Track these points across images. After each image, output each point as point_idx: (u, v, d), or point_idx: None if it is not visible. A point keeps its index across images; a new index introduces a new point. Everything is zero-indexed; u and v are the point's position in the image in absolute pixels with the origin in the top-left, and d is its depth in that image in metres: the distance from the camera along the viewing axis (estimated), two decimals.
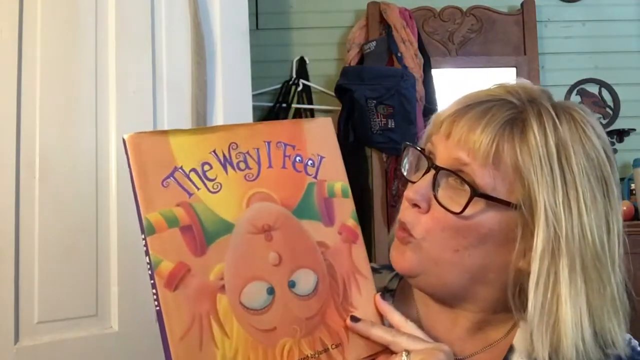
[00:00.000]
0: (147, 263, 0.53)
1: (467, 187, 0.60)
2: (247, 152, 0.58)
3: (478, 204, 0.60)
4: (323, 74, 2.51)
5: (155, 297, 0.52)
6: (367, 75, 2.21)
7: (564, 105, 0.63)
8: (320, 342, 0.58)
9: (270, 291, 0.56)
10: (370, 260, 0.70)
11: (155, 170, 0.54)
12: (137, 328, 1.25)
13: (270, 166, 0.59)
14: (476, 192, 0.59)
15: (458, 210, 0.60)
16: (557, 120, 0.60)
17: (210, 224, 0.55)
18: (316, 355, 0.58)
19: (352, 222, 0.64)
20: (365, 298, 0.62)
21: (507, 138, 0.59)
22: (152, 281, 0.52)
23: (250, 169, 0.58)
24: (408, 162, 0.70)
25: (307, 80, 2.44)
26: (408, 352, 0.57)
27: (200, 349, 0.52)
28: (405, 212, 0.64)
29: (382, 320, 0.62)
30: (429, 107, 2.27)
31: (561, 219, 0.57)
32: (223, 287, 0.54)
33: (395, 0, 2.41)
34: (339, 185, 0.63)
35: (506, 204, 0.59)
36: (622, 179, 2.52)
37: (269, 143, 0.60)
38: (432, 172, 0.62)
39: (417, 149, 0.67)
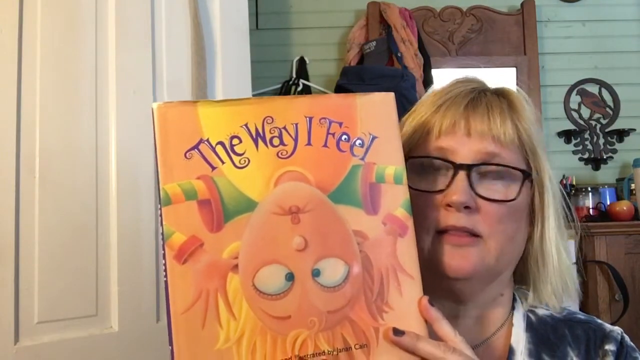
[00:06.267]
0: (161, 233, 0.51)
1: (507, 175, 0.63)
2: (284, 127, 0.55)
3: (517, 185, 0.63)
4: (323, 74, 2.51)
5: (164, 268, 0.51)
6: (367, 75, 2.21)
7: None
8: (342, 340, 0.54)
9: (290, 277, 0.53)
10: None
11: (179, 141, 0.52)
12: (137, 328, 1.25)
13: (309, 143, 0.55)
14: (526, 174, 0.63)
15: (511, 197, 0.62)
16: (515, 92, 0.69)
17: (231, 200, 0.52)
18: (334, 353, 0.53)
19: (402, 212, 0.57)
20: (406, 300, 0.56)
21: (518, 119, 0.65)
22: (162, 252, 0.51)
23: (284, 145, 0.54)
24: (429, 176, 0.66)
25: (307, 80, 2.44)
26: None
27: (202, 326, 0.50)
28: (458, 219, 0.61)
29: (426, 327, 0.56)
30: None
31: (551, 178, 0.67)
32: (236, 266, 0.52)
33: (395, 0, 2.41)
34: (392, 169, 0.57)
35: (531, 178, 0.65)
36: (622, 179, 2.52)
37: (310, 118, 0.56)
38: (464, 172, 0.62)
39: (433, 157, 0.64)
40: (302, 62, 2.46)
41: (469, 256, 0.62)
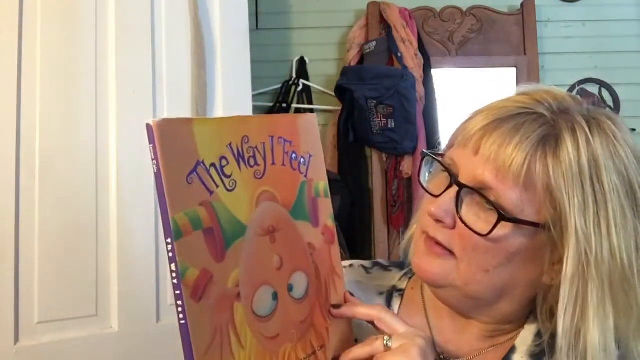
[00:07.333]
0: (173, 271, 0.47)
1: (493, 209, 0.57)
2: (256, 147, 0.55)
3: (505, 226, 0.57)
4: (323, 74, 2.51)
5: (180, 309, 0.47)
6: (367, 75, 2.21)
7: (595, 115, 0.60)
8: (310, 345, 0.58)
9: (275, 296, 0.55)
10: (370, 259, 0.71)
11: (180, 164, 0.48)
12: (137, 328, 1.25)
13: (273, 163, 0.56)
14: (503, 217, 0.57)
15: (484, 231, 0.57)
16: (590, 135, 0.57)
17: (228, 225, 0.51)
18: (307, 359, 0.57)
19: (330, 222, 0.63)
20: (339, 296, 0.63)
21: (539, 158, 0.57)
22: (177, 292, 0.47)
23: (258, 165, 0.55)
24: (428, 172, 0.67)
25: (307, 80, 2.44)
26: (389, 336, 0.58)
27: None
28: (435, 229, 0.61)
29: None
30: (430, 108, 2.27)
31: (592, 241, 0.56)
32: (239, 294, 0.51)
33: (395, 0, 2.41)
34: (322, 184, 0.62)
35: (534, 225, 0.58)
36: None
37: (272, 138, 0.57)
38: (456, 188, 0.60)
39: (440, 162, 0.64)
40: (302, 62, 2.46)
41: (433, 265, 0.62)
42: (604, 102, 2.66)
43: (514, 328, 0.67)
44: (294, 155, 0.59)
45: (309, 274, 0.59)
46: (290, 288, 0.56)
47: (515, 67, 2.47)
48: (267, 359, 0.53)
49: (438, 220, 0.61)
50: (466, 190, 0.59)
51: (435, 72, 2.36)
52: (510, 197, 0.57)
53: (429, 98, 2.30)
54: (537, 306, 0.63)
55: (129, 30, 1.30)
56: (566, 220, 0.56)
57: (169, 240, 0.46)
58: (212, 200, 0.50)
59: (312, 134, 0.62)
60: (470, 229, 0.58)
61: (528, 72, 2.45)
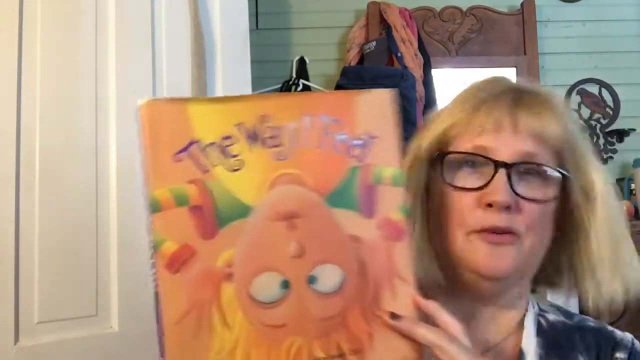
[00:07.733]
0: (150, 242, 0.49)
1: (546, 175, 0.62)
2: (281, 126, 0.51)
3: (555, 186, 0.63)
4: (323, 74, 2.51)
5: (154, 277, 0.49)
6: (367, 75, 2.21)
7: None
8: (336, 346, 0.53)
9: (285, 285, 0.51)
10: None
11: (168, 143, 0.49)
12: (137, 328, 1.25)
13: (307, 144, 0.52)
14: (566, 177, 0.63)
15: (551, 196, 0.62)
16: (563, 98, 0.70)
17: (225, 205, 0.50)
18: (329, 359, 0.53)
19: (399, 215, 0.55)
20: (401, 303, 0.55)
21: (563, 120, 0.64)
22: (152, 260, 0.49)
23: (281, 145, 0.51)
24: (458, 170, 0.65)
25: (307, 80, 2.44)
26: None
27: (195, 337, 0.49)
28: (502, 219, 0.60)
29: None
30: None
31: (583, 181, 0.65)
32: (230, 275, 0.50)
33: (395, 0, 2.41)
34: (390, 171, 0.55)
35: (571, 181, 0.64)
36: (622, 179, 2.52)
37: (309, 117, 0.53)
38: (504, 170, 0.60)
39: (478, 154, 0.63)
40: (302, 62, 2.46)
41: (507, 255, 0.61)
42: (604, 102, 2.66)
43: (513, 313, 0.68)
44: (341, 137, 0.53)
45: (345, 268, 0.53)
46: (311, 280, 0.52)
47: (515, 67, 2.47)
48: (264, 346, 0.51)
49: (506, 207, 0.60)
50: (515, 168, 0.61)
51: (435, 72, 2.36)
52: (554, 159, 0.63)
53: (429, 98, 2.30)
54: (550, 267, 0.68)
55: (129, 30, 1.30)
56: (576, 169, 0.64)
57: (147, 213, 0.49)
58: (206, 179, 0.50)
59: (380, 112, 0.56)
60: (536, 200, 0.61)
61: (528, 72, 2.45)
